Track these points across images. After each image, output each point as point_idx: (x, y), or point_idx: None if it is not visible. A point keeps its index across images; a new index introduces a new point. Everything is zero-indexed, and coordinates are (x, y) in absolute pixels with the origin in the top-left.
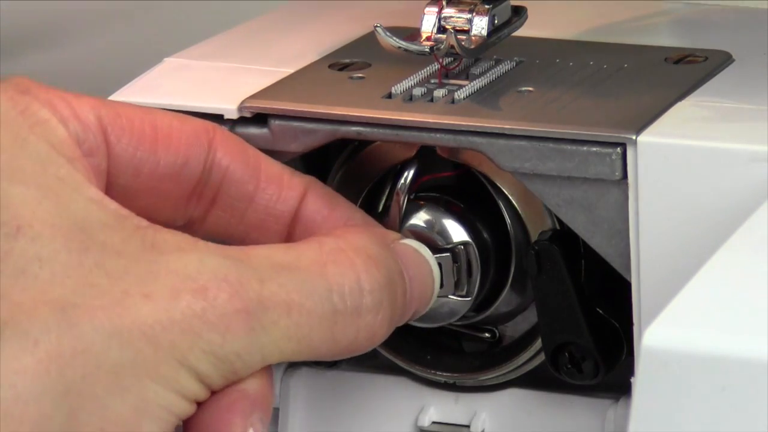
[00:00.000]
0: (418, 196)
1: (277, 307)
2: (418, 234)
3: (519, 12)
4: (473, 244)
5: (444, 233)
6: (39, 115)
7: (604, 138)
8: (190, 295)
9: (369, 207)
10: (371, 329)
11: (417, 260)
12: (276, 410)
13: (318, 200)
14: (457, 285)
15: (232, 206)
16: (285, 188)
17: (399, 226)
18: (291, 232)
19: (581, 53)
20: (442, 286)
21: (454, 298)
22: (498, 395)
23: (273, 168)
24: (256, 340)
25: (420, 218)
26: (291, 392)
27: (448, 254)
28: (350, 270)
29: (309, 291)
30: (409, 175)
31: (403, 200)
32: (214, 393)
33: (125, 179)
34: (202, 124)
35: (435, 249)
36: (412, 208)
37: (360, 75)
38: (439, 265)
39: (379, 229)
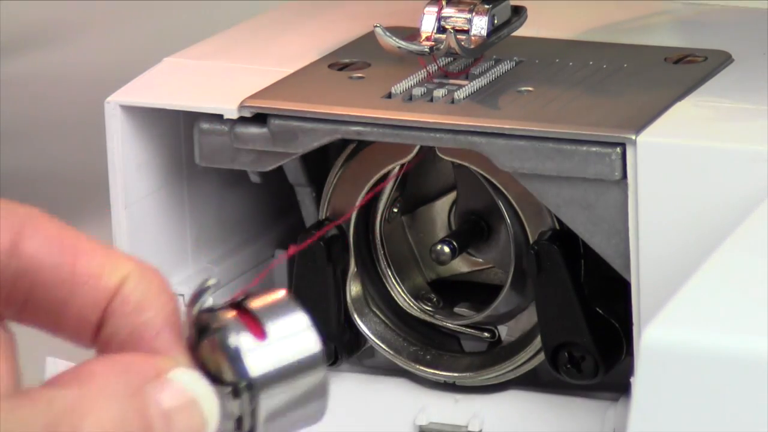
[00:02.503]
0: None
1: None
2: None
3: (519, 12)
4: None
5: (235, 363)
6: None
7: (603, 138)
8: None
9: (369, 207)
10: None
11: (179, 399)
12: None
13: (128, 309)
14: (239, 423)
15: (46, 313)
16: (100, 288)
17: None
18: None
19: (581, 53)
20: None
21: None
22: (497, 395)
23: (90, 265)
24: None
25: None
26: None
27: (229, 389)
28: None
29: None
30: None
31: (197, 312)
32: None
33: None
34: (7, 225)
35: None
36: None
37: (360, 75)
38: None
39: (144, 364)
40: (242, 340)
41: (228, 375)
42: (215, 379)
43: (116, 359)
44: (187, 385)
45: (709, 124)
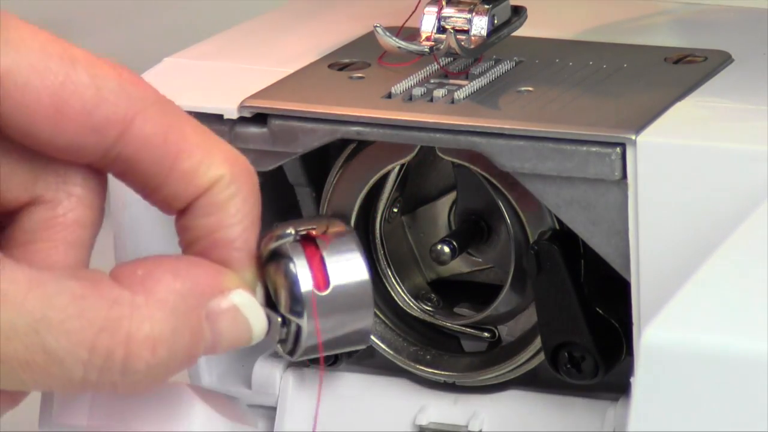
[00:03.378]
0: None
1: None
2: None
3: (519, 12)
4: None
5: (293, 300)
6: None
7: (603, 138)
8: None
9: (368, 207)
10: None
11: (233, 321)
12: (275, 409)
13: (213, 210)
14: (281, 342)
15: (139, 189)
16: (191, 185)
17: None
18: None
19: (581, 53)
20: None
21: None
22: (497, 395)
23: (187, 163)
24: None
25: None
26: (290, 391)
27: (279, 319)
28: (120, 347)
29: (64, 354)
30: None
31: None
32: None
33: (18, 130)
34: (121, 112)
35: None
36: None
37: (360, 75)
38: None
39: (208, 278)
40: (303, 282)
41: (283, 304)
42: (270, 300)
43: (185, 272)
44: (243, 309)
45: (709, 124)
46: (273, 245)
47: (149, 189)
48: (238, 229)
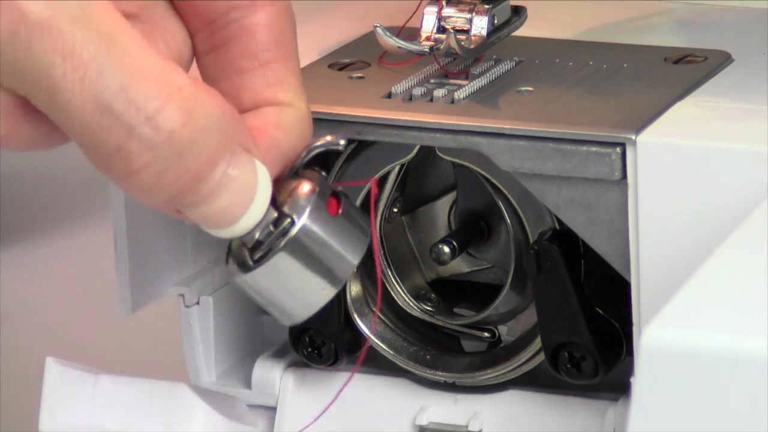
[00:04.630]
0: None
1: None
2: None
3: (519, 12)
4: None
5: (297, 208)
6: None
7: (603, 138)
8: None
9: (369, 207)
10: (132, 161)
11: (245, 177)
12: (275, 409)
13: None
14: (257, 244)
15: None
16: (268, 92)
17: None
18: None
19: (581, 53)
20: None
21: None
22: (497, 395)
23: (276, 74)
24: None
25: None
26: (290, 391)
27: (276, 216)
28: (160, 101)
29: (110, 77)
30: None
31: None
32: None
33: None
34: None
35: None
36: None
37: (360, 75)
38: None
39: (248, 133)
40: (316, 199)
41: (286, 205)
42: (275, 202)
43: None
44: (260, 176)
45: (709, 124)
46: (314, 151)
47: (221, 68)
48: (283, 143)
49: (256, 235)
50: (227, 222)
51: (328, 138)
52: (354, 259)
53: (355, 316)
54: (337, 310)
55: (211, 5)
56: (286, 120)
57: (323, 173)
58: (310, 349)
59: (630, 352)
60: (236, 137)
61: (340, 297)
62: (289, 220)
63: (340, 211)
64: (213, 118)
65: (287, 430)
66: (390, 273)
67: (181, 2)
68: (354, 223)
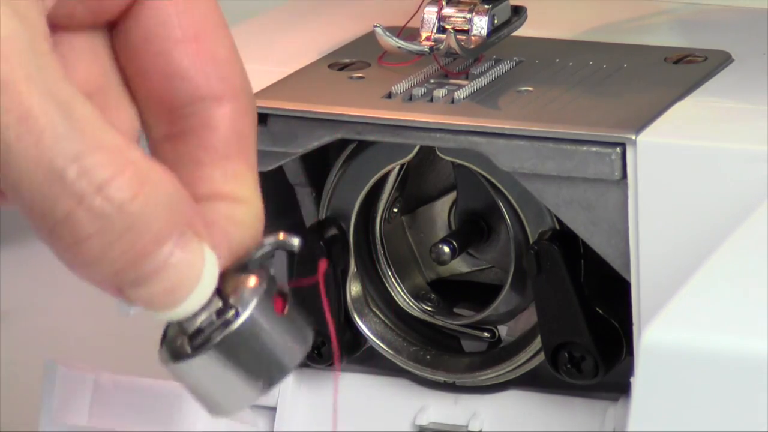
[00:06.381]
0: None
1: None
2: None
3: (519, 12)
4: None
5: (243, 301)
6: None
7: (603, 138)
8: None
9: (369, 207)
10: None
11: (192, 261)
12: (275, 409)
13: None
14: (196, 332)
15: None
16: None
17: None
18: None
19: (581, 53)
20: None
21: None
22: (497, 396)
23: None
24: None
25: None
26: (290, 392)
27: (221, 303)
28: (109, 170)
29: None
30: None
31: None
32: None
33: None
34: None
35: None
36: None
37: (360, 75)
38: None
39: (197, 217)
40: (263, 295)
41: (231, 297)
42: (220, 293)
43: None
44: (208, 263)
45: (709, 124)
46: (264, 249)
47: (182, 158)
48: (234, 239)
49: (197, 323)
50: (169, 304)
51: (281, 237)
52: (291, 362)
53: (355, 316)
54: (336, 310)
55: (174, 95)
56: (239, 215)
57: (271, 272)
58: (310, 349)
59: (630, 352)
60: (186, 218)
61: (340, 297)
62: (233, 311)
63: (285, 311)
64: (164, 195)
65: (287, 430)
66: (390, 273)
67: (142, 87)
68: (297, 326)
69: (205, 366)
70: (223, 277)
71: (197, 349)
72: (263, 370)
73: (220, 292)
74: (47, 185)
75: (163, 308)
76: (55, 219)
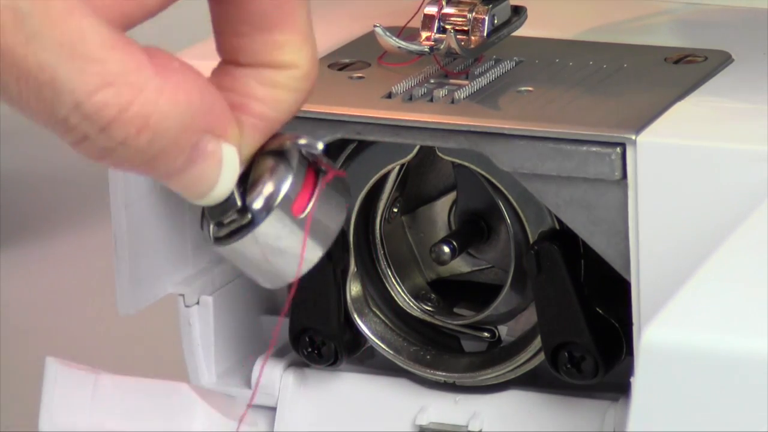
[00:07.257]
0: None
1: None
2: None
3: (519, 12)
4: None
5: (264, 201)
6: None
7: (603, 138)
8: None
9: (369, 207)
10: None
11: (207, 166)
12: (275, 409)
13: (269, 84)
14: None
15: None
16: (269, 53)
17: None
18: None
19: (581, 53)
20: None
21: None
22: (497, 395)
23: (282, 36)
24: None
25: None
26: (290, 392)
27: (240, 203)
28: (114, 109)
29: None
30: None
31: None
32: None
33: None
34: None
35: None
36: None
37: (360, 75)
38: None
39: (222, 117)
40: (284, 197)
41: (252, 195)
42: (246, 178)
43: (208, 96)
44: (225, 165)
45: (709, 124)
46: (290, 144)
47: (223, 24)
48: (271, 113)
49: (216, 216)
50: (194, 193)
51: (302, 141)
52: (336, 225)
53: (355, 316)
54: (336, 310)
55: None
56: (282, 80)
57: (292, 168)
58: (310, 349)
59: (630, 352)
60: (202, 126)
61: (340, 297)
62: (249, 217)
63: (304, 212)
64: (170, 120)
65: (287, 430)
66: (390, 273)
67: None
68: (329, 205)
69: (243, 248)
70: (257, 155)
71: (226, 238)
72: (289, 258)
73: (247, 177)
74: (51, 126)
75: (187, 196)
76: (66, 141)
